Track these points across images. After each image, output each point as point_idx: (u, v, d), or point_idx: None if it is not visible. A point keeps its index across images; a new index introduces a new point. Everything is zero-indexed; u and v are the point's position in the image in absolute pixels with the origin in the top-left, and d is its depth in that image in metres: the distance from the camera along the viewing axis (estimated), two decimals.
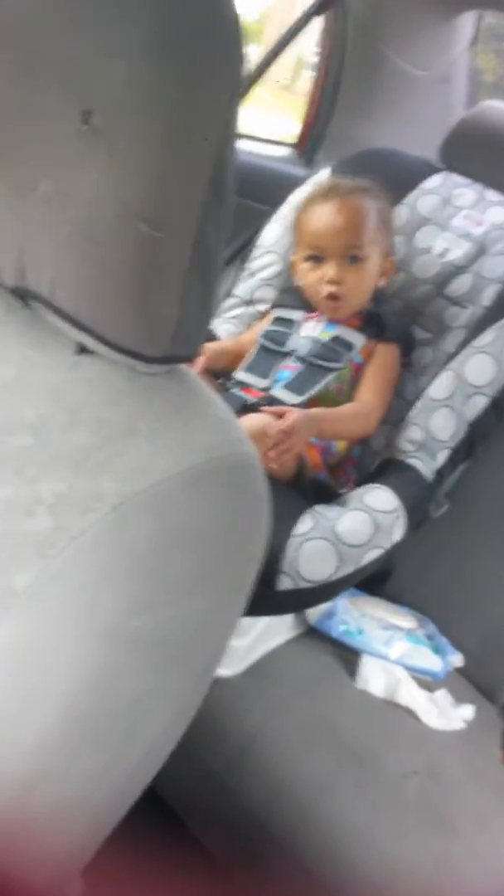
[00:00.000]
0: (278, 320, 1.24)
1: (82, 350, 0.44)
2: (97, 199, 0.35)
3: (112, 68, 0.33)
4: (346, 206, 1.14)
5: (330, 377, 1.12)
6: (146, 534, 0.40)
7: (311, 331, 1.19)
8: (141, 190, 0.35)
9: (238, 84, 0.38)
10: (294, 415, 0.99)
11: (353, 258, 1.13)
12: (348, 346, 1.16)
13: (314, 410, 1.06)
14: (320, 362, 1.13)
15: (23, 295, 0.43)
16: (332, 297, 1.14)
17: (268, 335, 1.21)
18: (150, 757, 0.43)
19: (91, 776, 0.39)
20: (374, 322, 1.18)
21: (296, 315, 1.22)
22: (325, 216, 1.14)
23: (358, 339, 1.16)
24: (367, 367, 1.16)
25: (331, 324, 1.18)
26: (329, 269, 1.13)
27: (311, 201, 1.19)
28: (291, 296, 1.27)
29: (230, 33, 0.36)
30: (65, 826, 0.39)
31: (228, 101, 0.37)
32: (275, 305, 1.28)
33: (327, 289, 1.14)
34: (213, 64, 0.35)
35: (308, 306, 1.22)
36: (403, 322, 1.24)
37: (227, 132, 0.38)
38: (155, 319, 0.40)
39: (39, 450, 0.41)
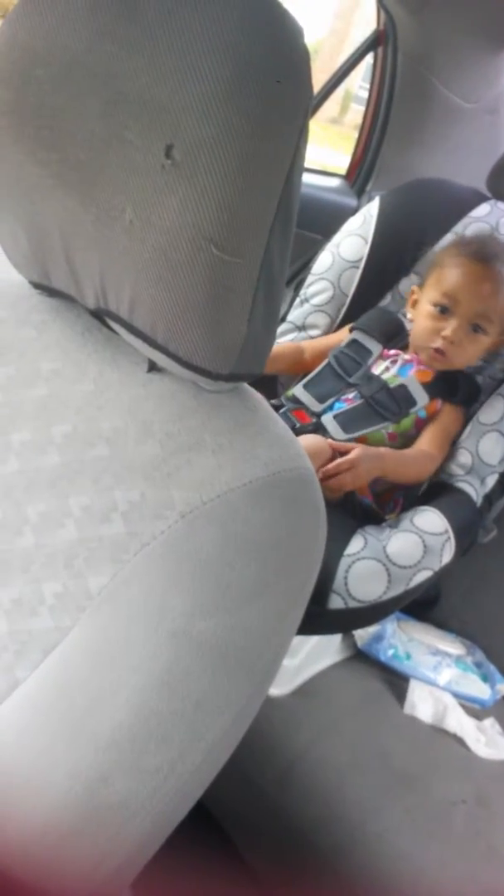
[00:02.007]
0: (354, 344, 1.23)
1: (153, 368, 0.47)
2: (175, 226, 0.38)
3: (191, 105, 0.36)
4: (498, 278, 1.10)
5: (379, 426, 1.12)
6: (211, 542, 0.42)
7: (382, 370, 1.19)
8: (215, 216, 0.38)
9: (306, 117, 0.40)
10: (359, 449, 1.00)
11: (476, 327, 1.11)
12: (411, 402, 1.14)
13: (379, 449, 1.07)
14: (377, 408, 1.13)
15: (103, 316, 0.46)
16: (440, 352, 1.12)
17: (339, 359, 1.20)
18: (210, 758, 0.44)
19: (159, 770, 0.40)
20: (446, 382, 1.16)
21: (374, 347, 1.21)
22: (473, 276, 1.11)
23: (422, 398, 1.14)
24: (430, 424, 1.15)
25: (404, 369, 1.17)
26: (450, 328, 1.10)
27: (467, 254, 1.14)
28: (375, 322, 1.25)
29: (299, 70, 0.38)
30: (132, 821, 0.41)
31: (298, 132, 0.39)
32: (356, 327, 1.25)
33: (439, 343, 1.11)
34: (283, 98, 0.38)
35: (388, 339, 1.21)
36: (474, 382, 1.20)
37: (295, 161, 0.40)
38: (223, 338, 0.43)
39: (114, 460, 0.44)
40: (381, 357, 1.20)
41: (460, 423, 1.17)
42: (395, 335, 1.22)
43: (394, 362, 1.19)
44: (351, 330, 1.26)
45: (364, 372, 1.18)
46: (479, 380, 1.21)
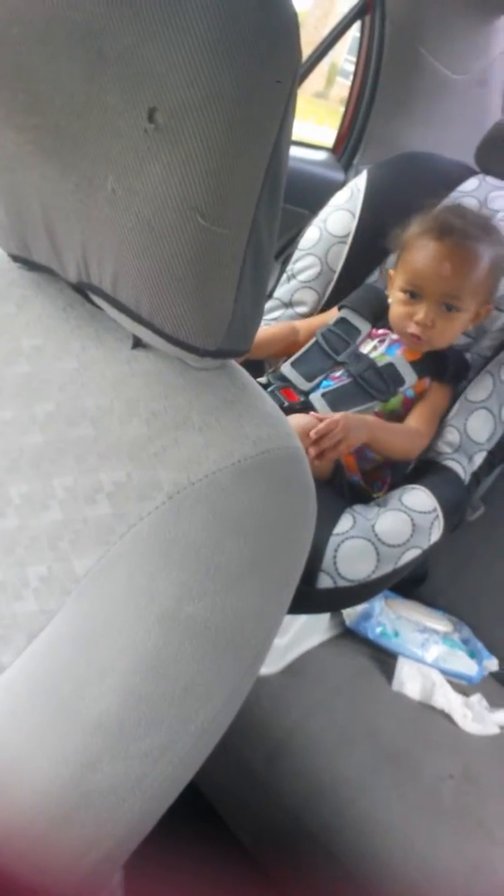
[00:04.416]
0: (343, 322, 1.21)
1: (137, 345, 0.46)
2: (159, 194, 0.36)
3: (175, 66, 0.34)
4: (459, 254, 1.07)
5: (367, 405, 1.11)
6: (200, 523, 0.41)
7: (370, 349, 1.17)
8: (201, 185, 0.36)
9: (294, 81, 0.38)
10: (344, 414, 0.99)
11: (448, 306, 1.08)
12: (399, 380, 1.13)
13: (368, 417, 1.05)
14: (366, 387, 1.12)
15: (85, 290, 0.44)
16: (416, 337, 1.10)
17: (327, 337, 1.19)
18: (201, 741, 0.43)
19: (148, 755, 0.40)
20: (435, 360, 1.15)
21: (362, 325, 1.20)
22: (433, 258, 1.07)
23: (410, 377, 1.13)
24: (419, 402, 1.14)
25: (391, 349, 1.16)
26: (421, 312, 1.08)
27: (425, 233, 1.10)
28: (364, 300, 1.23)
29: (288, 31, 0.36)
30: (121, 806, 0.40)
31: (286, 98, 0.38)
32: (344, 305, 1.24)
33: (414, 329, 1.09)
34: (271, 61, 0.36)
35: (377, 318, 1.19)
36: (463, 360, 1.18)
37: (283, 128, 0.39)
38: (210, 312, 0.41)
39: (99, 440, 0.43)
40: (370, 336, 1.19)
41: (448, 401, 1.16)
42: (384, 314, 1.19)
43: (382, 341, 1.18)
44: (340, 308, 1.24)
45: (352, 350, 1.17)
46: (467, 357, 1.20)
